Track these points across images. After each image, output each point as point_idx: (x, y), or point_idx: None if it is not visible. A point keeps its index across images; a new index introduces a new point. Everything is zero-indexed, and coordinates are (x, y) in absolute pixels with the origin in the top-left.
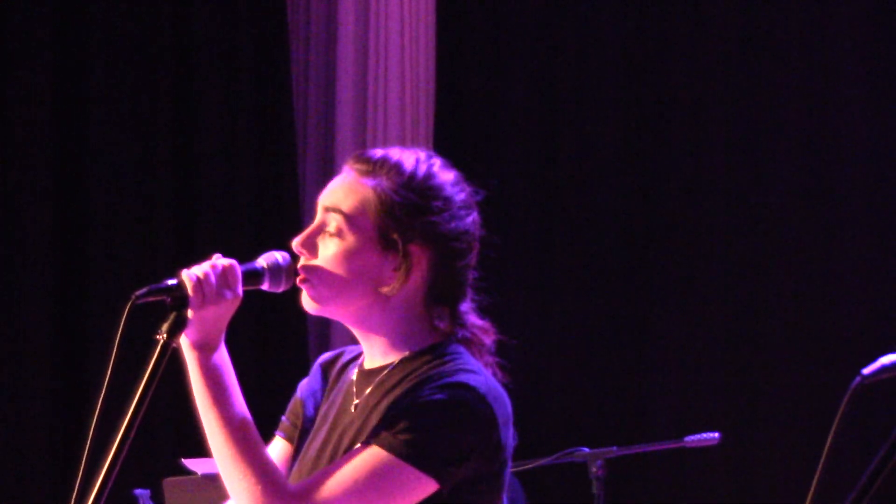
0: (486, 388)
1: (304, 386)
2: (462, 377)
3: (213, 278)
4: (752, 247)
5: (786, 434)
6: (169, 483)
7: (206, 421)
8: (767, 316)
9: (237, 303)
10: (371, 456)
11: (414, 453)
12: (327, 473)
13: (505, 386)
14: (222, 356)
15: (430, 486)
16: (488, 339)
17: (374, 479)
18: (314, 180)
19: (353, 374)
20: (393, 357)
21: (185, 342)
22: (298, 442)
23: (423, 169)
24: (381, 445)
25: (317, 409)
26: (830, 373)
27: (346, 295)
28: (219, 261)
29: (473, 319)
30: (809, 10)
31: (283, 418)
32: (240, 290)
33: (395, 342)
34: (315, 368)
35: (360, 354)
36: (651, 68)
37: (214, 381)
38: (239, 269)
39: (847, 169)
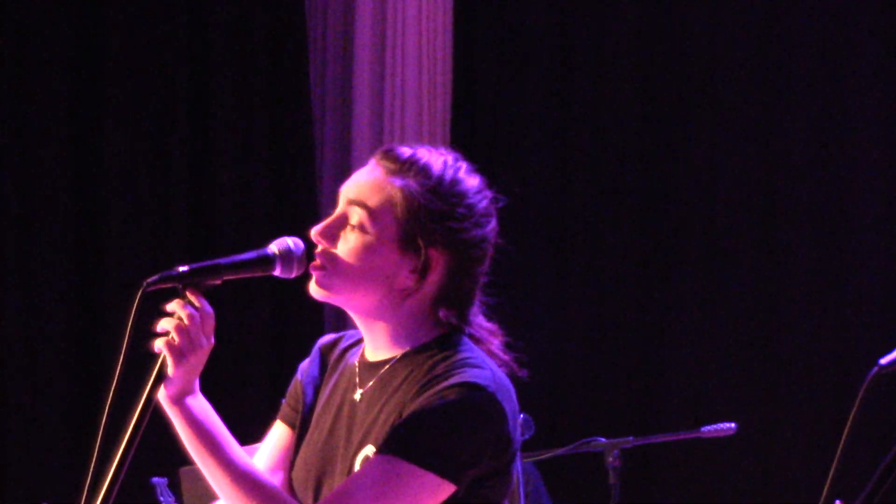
0: (495, 384)
1: (304, 369)
2: (470, 376)
3: (185, 341)
4: (769, 237)
5: (803, 424)
6: (186, 472)
7: (206, 470)
8: (784, 306)
9: (211, 345)
10: (392, 466)
11: (435, 462)
12: (348, 489)
13: (513, 378)
14: (200, 401)
15: (448, 490)
16: (496, 341)
17: (397, 491)
18: (331, 171)
19: (355, 361)
20: (396, 351)
21: (163, 397)
22: (300, 429)
23: (450, 173)
24: (400, 455)
25: (316, 393)
26: (848, 362)
27: (358, 288)
28: (188, 313)
29: (480, 321)
30: (827, 8)
31: (284, 401)
32: (212, 338)
33: (399, 336)
34: (315, 352)
35: (360, 340)
36: (668, 69)
37: (204, 430)
38: (213, 317)
39: (862, 161)
